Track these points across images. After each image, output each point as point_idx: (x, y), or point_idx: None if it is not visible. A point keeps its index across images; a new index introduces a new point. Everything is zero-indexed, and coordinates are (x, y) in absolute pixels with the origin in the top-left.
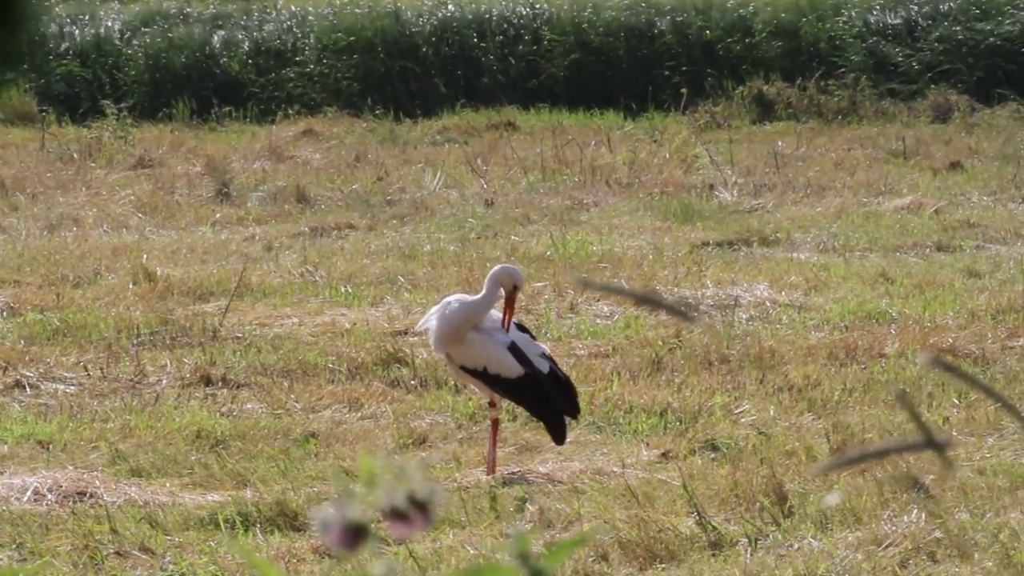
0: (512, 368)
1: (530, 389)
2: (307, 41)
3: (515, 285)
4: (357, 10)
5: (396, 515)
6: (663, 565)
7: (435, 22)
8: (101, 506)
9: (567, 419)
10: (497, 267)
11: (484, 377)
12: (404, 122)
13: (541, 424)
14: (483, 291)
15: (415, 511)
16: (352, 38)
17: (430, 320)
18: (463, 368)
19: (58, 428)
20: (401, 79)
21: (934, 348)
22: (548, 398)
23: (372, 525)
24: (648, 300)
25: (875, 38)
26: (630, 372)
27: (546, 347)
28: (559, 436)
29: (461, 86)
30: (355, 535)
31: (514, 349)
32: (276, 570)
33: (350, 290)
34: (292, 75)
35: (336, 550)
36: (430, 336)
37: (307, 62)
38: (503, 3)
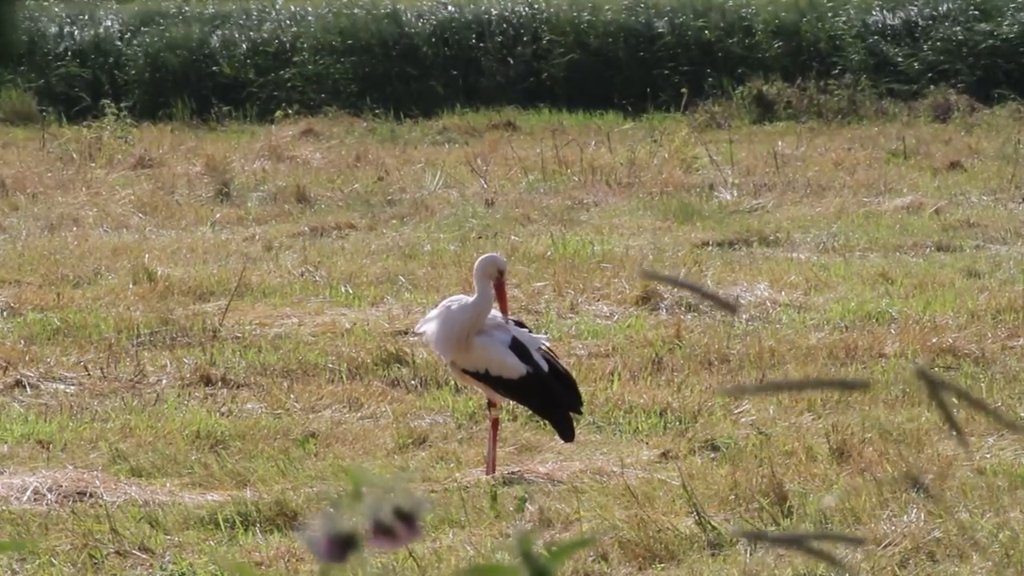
0: (514, 368)
1: (534, 388)
2: (306, 41)
3: (499, 270)
4: (356, 10)
5: (381, 530)
6: (663, 565)
7: (434, 22)
8: (101, 506)
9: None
10: (478, 261)
11: (486, 379)
12: (404, 122)
13: (541, 424)
14: (477, 290)
15: (401, 524)
16: (351, 39)
17: (429, 325)
18: (465, 371)
19: (58, 428)
20: (401, 79)
21: (934, 348)
22: (553, 396)
23: (360, 535)
24: (701, 291)
25: (875, 38)
26: (630, 372)
27: (545, 339)
28: (567, 433)
29: (461, 86)
30: (343, 546)
31: (516, 346)
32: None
33: (350, 290)
34: (291, 75)
35: (324, 563)
36: (431, 342)
37: (306, 62)
38: (503, 3)
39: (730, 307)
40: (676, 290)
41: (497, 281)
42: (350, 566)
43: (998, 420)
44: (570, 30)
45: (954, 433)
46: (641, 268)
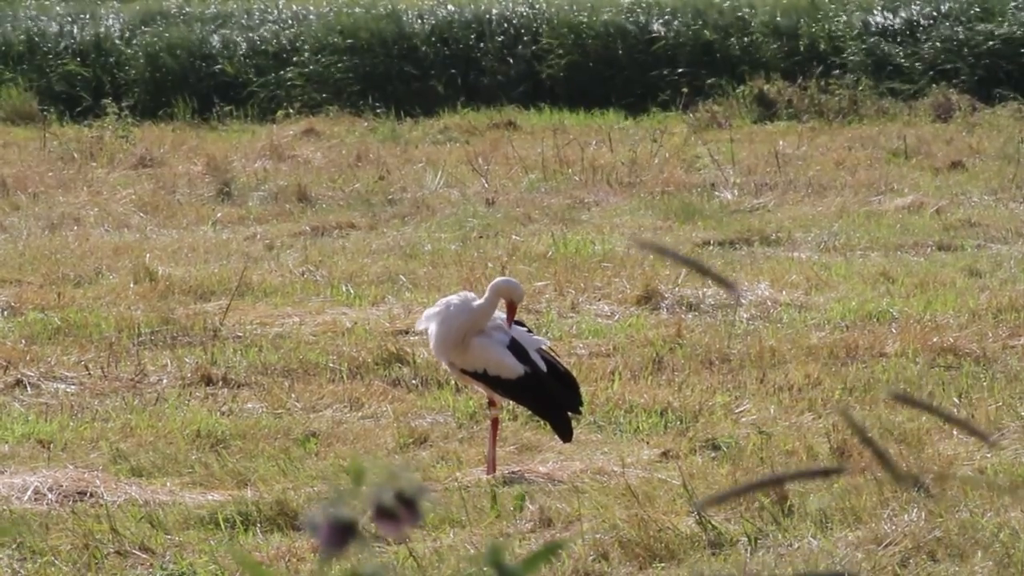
0: (512, 368)
1: (532, 388)
2: (307, 41)
3: (512, 301)
4: (357, 9)
5: (384, 513)
6: (663, 564)
7: (435, 22)
8: (102, 505)
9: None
10: (500, 279)
11: (485, 379)
12: (405, 121)
13: (542, 423)
14: (484, 298)
15: (403, 509)
16: (351, 39)
17: (429, 323)
18: (463, 371)
19: (59, 427)
20: (401, 79)
21: (935, 347)
22: (551, 396)
23: (361, 524)
24: (697, 266)
25: (875, 38)
26: (631, 371)
27: (545, 341)
28: (564, 434)
29: (461, 86)
30: (343, 534)
31: (514, 347)
32: (271, 571)
33: (351, 289)
34: (292, 74)
35: (324, 549)
36: (430, 339)
37: (307, 62)
38: (503, 3)
39: (728, 285)
40: (677, 289)
41: (509, 305)
42: (350, 562)
43: (974, 433)
44: (569, 31)
45: (890, 472)
46: (635, 238)
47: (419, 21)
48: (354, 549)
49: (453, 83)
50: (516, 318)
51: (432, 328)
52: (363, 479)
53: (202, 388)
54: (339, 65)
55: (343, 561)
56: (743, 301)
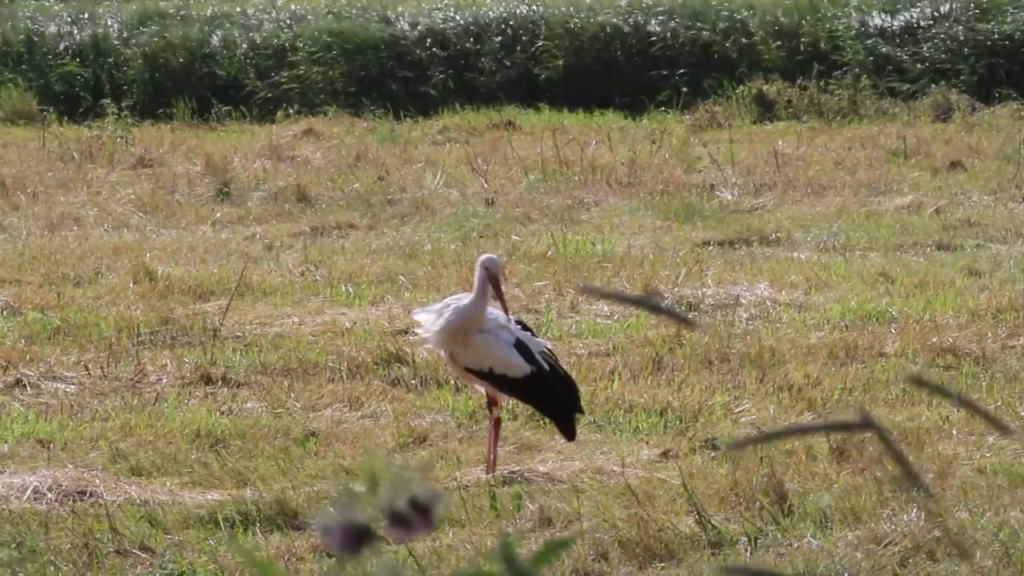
0: (519, 367)
1: (538, 387)
2: (306, 41)
3: (487, 268)
4: (355, 10)
5: (397, 519)
6: (663, 564)
7: (433, 23)
8: (101, 505)
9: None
10: (477, 261)
11: (490, 378)
12: (404, 122)
13: (542, 423)
14: (475, 288)
15: (416, 515)
16: (350, 40)
17: (427, 315)
18: (468, 369)
19: (58, 427)
20: (400, 79)
21: (935, 347)
22: (557, 395)
23: (374, 527)
24: (648, 304)
25: (875, 38)
26: (631, 371)
27: (547, 343)
28: (569, 433)
29: (460, 86)
30: (358, 538)
31: (520, 346)
32: (277, 569)
33: (351, 289)
34: (291, 75)
35: (338, 553)
36: (428, 333)
37: (306, 62)
38: (502, 5)
39: (684, 319)
40: (677, 289)
41: (492, 280)
42: (354, 564)
43: (991, 422)
44: (568, 31)
45: (906, 475)
46: (580, 284)
47: (417, 22)
48: (368, 553)
49: (452, 83)
50: (519, 319)
51: (428, 320)
52: (377, 483)
53: (201, 388)
54: (337, 65)
55: (352, 564)
56: (699, 328)
